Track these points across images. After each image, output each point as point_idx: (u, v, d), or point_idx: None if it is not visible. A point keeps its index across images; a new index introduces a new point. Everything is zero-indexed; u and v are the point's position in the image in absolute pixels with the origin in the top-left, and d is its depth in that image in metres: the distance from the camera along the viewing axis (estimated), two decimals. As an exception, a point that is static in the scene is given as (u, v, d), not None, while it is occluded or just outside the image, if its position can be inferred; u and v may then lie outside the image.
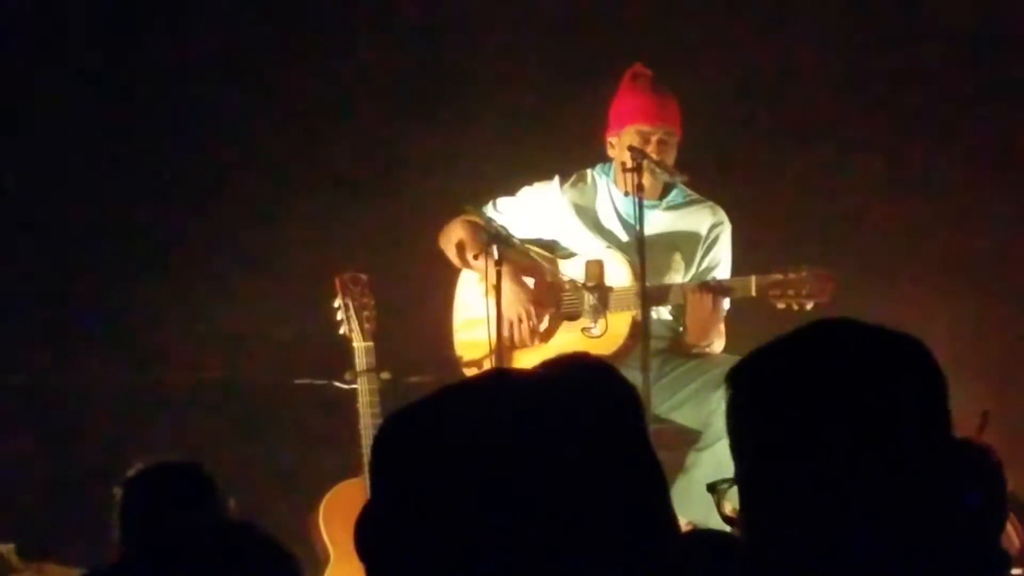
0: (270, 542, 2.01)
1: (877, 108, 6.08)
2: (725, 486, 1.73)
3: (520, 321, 5.11)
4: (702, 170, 5.26)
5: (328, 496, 5.05)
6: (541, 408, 1.49)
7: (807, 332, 1.73)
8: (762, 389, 1.69)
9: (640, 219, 4.85)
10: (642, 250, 4.84)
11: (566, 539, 1.44)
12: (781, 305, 4.92)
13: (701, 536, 1.76)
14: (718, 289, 4.98)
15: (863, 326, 1.71)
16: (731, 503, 1.74)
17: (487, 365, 5.07)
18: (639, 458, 1.53)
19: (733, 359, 4.92)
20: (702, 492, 5.26)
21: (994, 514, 1.69)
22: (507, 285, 5.04)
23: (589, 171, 5.31)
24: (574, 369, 1.58)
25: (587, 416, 1.50)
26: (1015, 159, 6.03)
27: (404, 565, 1.46)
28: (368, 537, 1.49)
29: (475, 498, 1.44)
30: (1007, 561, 1.69)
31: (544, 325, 5.17)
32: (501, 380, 1.57)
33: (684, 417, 5.00)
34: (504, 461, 1.45)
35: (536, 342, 5.15)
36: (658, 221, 5.15)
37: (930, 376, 1.68)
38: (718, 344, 5.13)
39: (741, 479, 1.70)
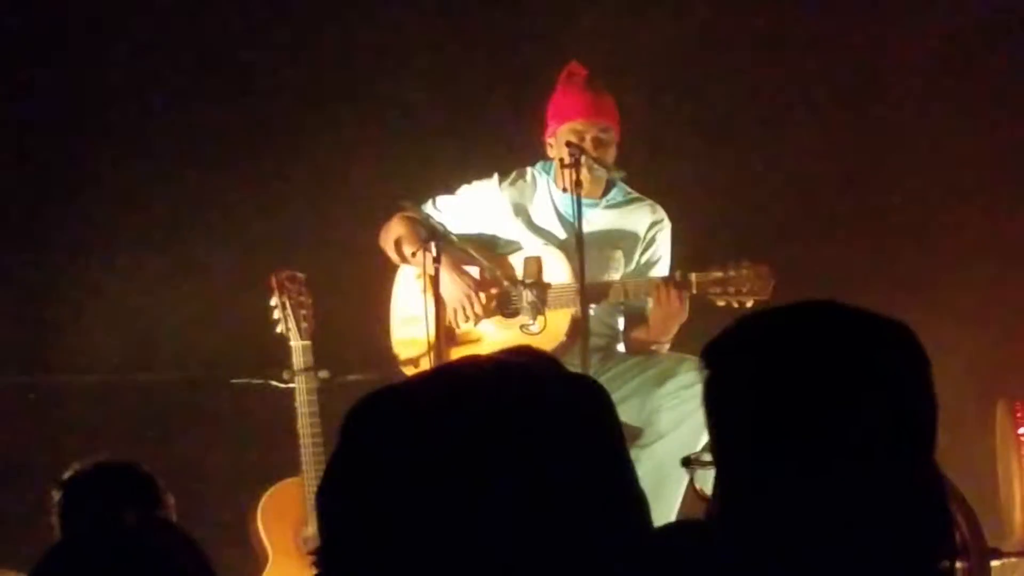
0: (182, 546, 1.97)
1: (817, 101, 6.13)
2: (697, 467, 1.70)
3: (467, 302, 5.08)
4: (641, 167, 5.26)
5: (266, 496, 5.02)
6: (510, 387, 1.47)
7: (789, 310, 1.70)
8: (739, 367, 1.66)
9: (578, 215, 4.84)
10: (580, 247, 4.83)
11: (537, 520, 1.42)
12: (721, 303, 4.92)
13: (678, 526, 1.74)
14: (684, 285, 4.95)
15: (846, 307, 1.68)
16: (700, 482, 1.72)
17: (425, 363, 5.05)
18: (610, 435, 1.52)
19: (675, 356, 4.98)
20: (644, 488, 5.27)
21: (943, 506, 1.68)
22: (448, 274, 5.03)
23: (529, 169, 5.29)
24: (532, 356, 1.56)
25: (554, 397, 1.48)
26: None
27: (365, 547, 1.44)
28: (329, 513, 1.47)
29: (445, 479, 1.42)
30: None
31: (492, 303, 5.13)
32: (473, 364, 1.55)
33: (625, 414, 4.97)
34: (476, 441, 1.43)
35: (482, 318, 5.11)
36: (598, 219, 5.14)
37: (915, 360, 1.66)
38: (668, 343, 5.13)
39: (716, 458, 1.67)
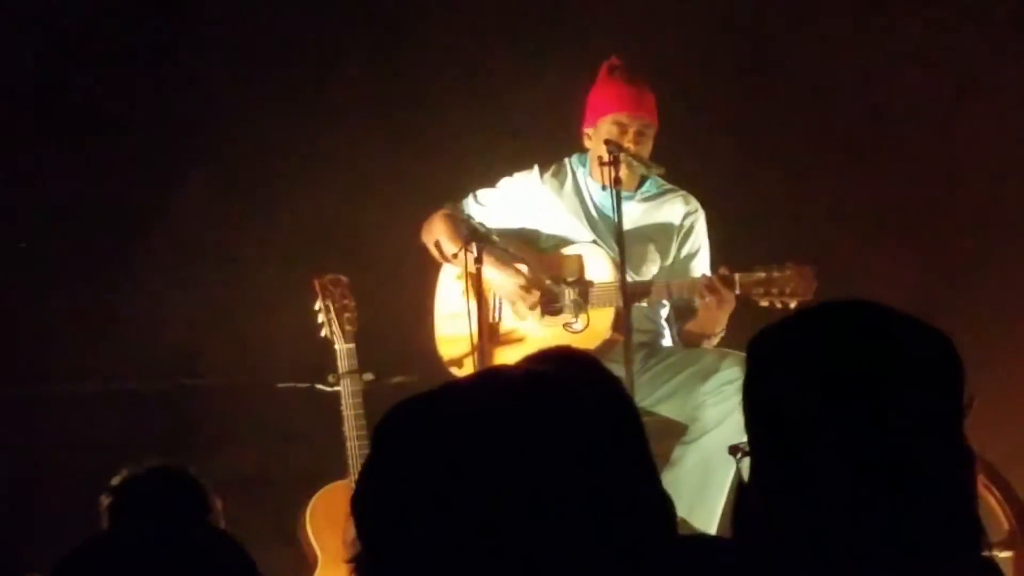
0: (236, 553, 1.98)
1: (856, 105, 6.10)
2: (744, 456, 1.72)
3: (523, 293, 5.09)
4: (681, 165, 5.25)
5: (315, 499, 5.04)
6: (535, 400, 1.49)
7: (830, 310, 1.72)
8: (779, 362, 1.68)
9: (618, 213, 4.84)
10: (621, 243, 4.83)
11: (560, 530, 1.44)
12: (764, 303, 4.91)
13: (693, 544, 1.76)
14: (729, 283, 4.93)
15: (885, 309, 1.70)
16: (746, 471, 1.73)
17: (470, 361, 5.06)
18: (632, 446, 1.53)
19: (718, 352, 4.97)
20: (689, 485, 5.26)
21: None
22: (497, 270, 5.04)
23: (567, 160, 5.31)
24: (562, 363, 1.58)
25: (579, 408, 1.50)
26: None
27: (401, 546, 1.45)
28: (366, 520, 1.49)
29: (472, 487, 1.43)
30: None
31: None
32: (497, 375, 1.57)
33: (670, 410, 4.99)
34: (501, 452, 1.44)
35: (542, 312, 5.11)
36: (632, 213, 5.14)
37: (951, 369, 1.68)
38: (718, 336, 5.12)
39: (752, 452, 1.70)
